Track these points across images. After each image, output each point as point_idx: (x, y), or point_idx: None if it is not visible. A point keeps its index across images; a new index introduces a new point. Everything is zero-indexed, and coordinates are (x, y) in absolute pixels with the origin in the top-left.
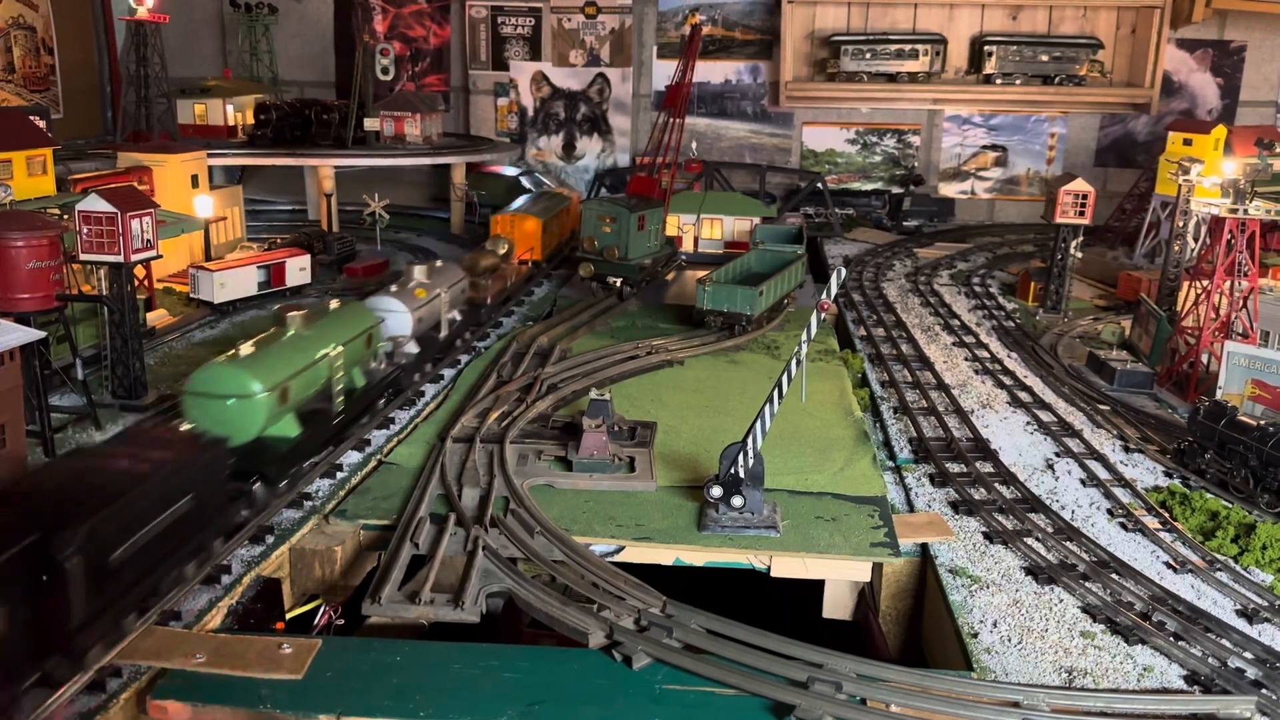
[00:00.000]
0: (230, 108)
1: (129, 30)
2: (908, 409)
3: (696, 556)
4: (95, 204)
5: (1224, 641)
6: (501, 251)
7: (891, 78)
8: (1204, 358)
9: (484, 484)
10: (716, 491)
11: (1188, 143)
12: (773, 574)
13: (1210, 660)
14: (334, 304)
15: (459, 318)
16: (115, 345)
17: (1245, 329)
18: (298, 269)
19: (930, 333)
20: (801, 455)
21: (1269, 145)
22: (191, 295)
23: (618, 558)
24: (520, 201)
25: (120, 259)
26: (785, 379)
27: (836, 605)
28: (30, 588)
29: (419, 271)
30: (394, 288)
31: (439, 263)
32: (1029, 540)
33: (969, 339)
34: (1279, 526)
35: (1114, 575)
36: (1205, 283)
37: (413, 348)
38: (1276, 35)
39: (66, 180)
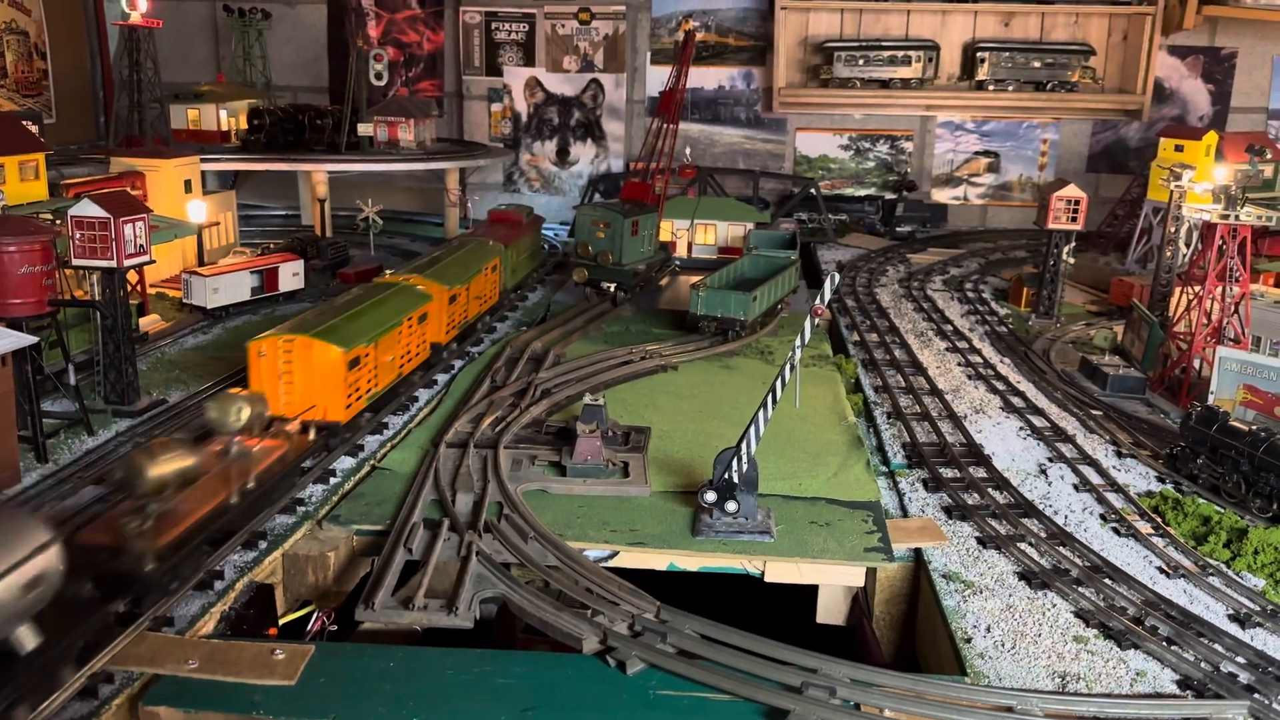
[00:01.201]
0: (223, 113)
1: (122, 35)
2: (901, 414)
3: (690, 562)
4: (88, 209)
5: (1216, 646)
6: (234, 422)
7: (884, 84)
8: (1196, 363)
9: (478, 489)
10: (710, 497)
11: (1179, 149)
12: (766, 579)
13: (1203, 665)
14: None
15: (26, 647)
16: (108, 350)
17: (1237, 334)
18: (291, 274)
19: (923, 338)
20: (795, 460)
21: (1260, 151)
22: (184, 300)
23: (611, 563)
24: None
25: (113, 264)
26: (779, 384)
27: (830, 610)
28: None
29: None
30: None
31: None
32: (1022, 545)
33: (962, 344)
34: (1271, 532)
35: (1107, 580)
36: (1197, 288)
37: None
38: (1267, 42)
39: (59, 185)
